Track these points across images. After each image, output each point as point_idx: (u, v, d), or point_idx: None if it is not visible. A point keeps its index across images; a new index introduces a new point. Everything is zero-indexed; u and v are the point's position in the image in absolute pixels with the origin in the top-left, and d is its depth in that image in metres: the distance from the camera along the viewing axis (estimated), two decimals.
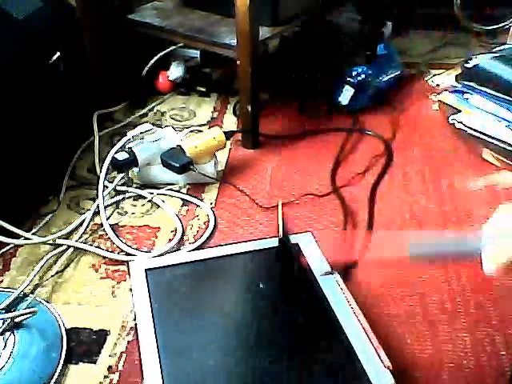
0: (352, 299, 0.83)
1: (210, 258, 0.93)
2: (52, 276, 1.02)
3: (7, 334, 0.87)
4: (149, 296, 0.85)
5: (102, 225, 1.11)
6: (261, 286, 0.88)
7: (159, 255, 1.05)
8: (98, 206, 1.12)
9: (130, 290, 0.99)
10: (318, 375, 0.75)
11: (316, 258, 0.91)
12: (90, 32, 1.40)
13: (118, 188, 1.23)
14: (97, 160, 1.31)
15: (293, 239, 0.95)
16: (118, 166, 1.19)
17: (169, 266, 0.92)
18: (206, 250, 0.96)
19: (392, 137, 1.41)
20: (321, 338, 0.80)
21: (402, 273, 1.02)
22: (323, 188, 1.24)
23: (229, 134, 1.28)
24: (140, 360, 0.76)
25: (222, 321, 0.83)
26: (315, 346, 0.79)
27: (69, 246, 1.08)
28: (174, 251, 1.07)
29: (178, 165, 1.18)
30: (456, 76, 1.40)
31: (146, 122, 1.38)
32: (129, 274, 1.02)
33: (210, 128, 1.37)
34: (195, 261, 0.93)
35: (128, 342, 0.90)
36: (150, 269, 0.90)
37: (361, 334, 0.78)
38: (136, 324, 0.81)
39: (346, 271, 0.98)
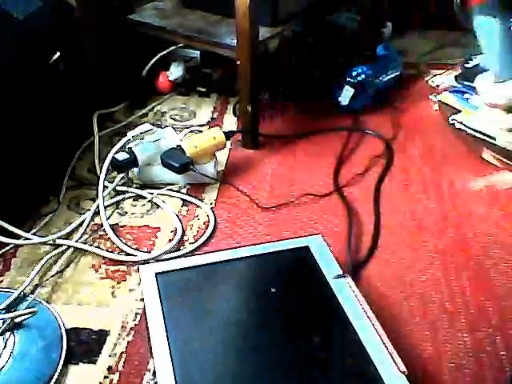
0: (365, 302, 0.83)
1: (220, 262, 0.93)
2: (52, 276, 1.02)
3: (7, 334, 0.87)
4: (159, 300, 0.85)
5: (102, 225, 1.11)
6: (272, 290, 0.88)
7: (159, 255, 1.05)
8: (97, 206, 1.12)
9: (130, 290, 0.99)
10: (332, 380, 0.75)
11: (327, 261, 0.91)
12: (90, 32, 1.40)
13: (118, 188, 1.23)
14: (97, 160, 1.31)
15: (303, 242, 0.95)
16: (117, 166, 1.19)
17: (179, 269, 0.92)
18: (215, 253, 0.96)
19: (392, 137, 1.41)
20: (334, 342, 0.80)
21: (401, 273, 1.02)
22: (323, 188, 1.24)
23: (229, 134, 1.28)
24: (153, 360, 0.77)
25: (234, 325, 0.83)
26: (329, 351, 0.79)
27: (69, 246, 1.08)
28: (175, 251, 1.07)
29: (177, 165, 1.18)
30: (456, 76, 1.41)
31: (146, 122, 1.38)
32: (129, 273, 1.03)
33: (210, 128, 1.37)
34: (205, 264, 0.92)
35: (128, 342, 0.90)
36: (160, 272, 0.90)
37: (375, 338, 0.78)
38: (147, 327, 0.81)
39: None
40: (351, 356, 0.77)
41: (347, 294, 0.85)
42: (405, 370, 0.74)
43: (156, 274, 0.90)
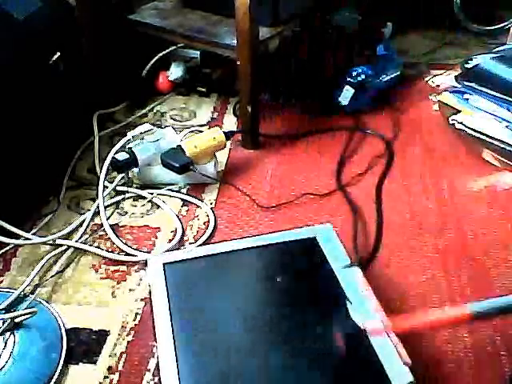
0: (371, 293, 0.83)
1: (227, 252, 0.93)
2: (52, 276, 1.02)
3: (7, 334, 0.87)
4: (166, 289, 0.85)
5: (102, 225, 1.11)
6: (278, 279, 0.88)
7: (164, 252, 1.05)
8: (97, 207, 1.12)
9: (130, 290, 0.99)
10: (336, 371, 0.75)
11: (335, 251, 0.91)
12: (90, 32, 1.40)
13: (118, 188, 1.23)
14: (97, 160, 1.31)
15: (311, 231, 0.95)
16: (117, 167, 1.19)
17: (186, 259, 0.92)
18: (223, 243, 0.97)
19: (393, 137, 1.41)
20: (339, 333, 0.79)
21: (402, 273, 1.02)
22: (323, 188, 1.24)
23: (229, 134, 1.28)
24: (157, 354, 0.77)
25: (239, 315, 0.83)
26: (333, 342, 0.78)
27: (69, 247, 1.08)
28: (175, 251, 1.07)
29: (177, 165, 1.18)
30: (456, 76, 1.40)
31: (146, 122, 1.38)
32: (129, 273, 1.03)
33: (210, 128, 1.37)
34: (213, 254, 0.93)
35: (128, 342, 0.90)
36: (167, 263, 0.91)
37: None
38: (153, 317, 0.82)
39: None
40: (355, 346, 0.77)
41: (353, 285, 0.85)
42: (409, 361, 0.73)
43: (164, 264, 0.90)
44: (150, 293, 0.98)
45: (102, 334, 0.91)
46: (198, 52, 1.61)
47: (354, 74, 1.49)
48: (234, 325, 0.82)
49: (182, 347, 0.77)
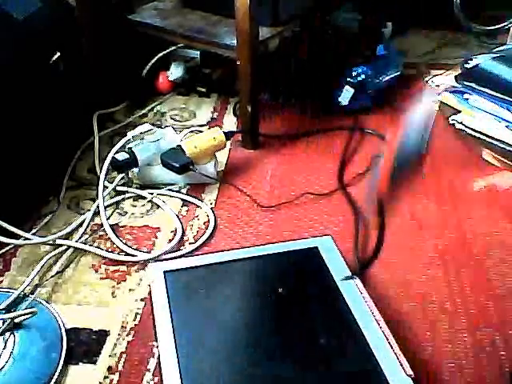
0: (373, 304, 0.83)
1: (229, 261, 0.93)
2: (52, 276, 1.02)
3: (7, 334, 0.87)
4: (167, 298, 0.86)
5: (102, 225, 1.11)
6: (280, 290, 0.88)
7: (159, 255, 1.05)
8: (97, 207, 1.12)
9: (130, 290, 0.99)
10: (338, 382, 0.75)
11: (336, 262, 0.91)
12: (90, 32, 1.40)
13: (118, 188, 1.23)
14: (97, 160, 1.31)
15: (312, 242, 0.95)
16: (117, 167, 1.19)
17: (187, 268, 0.92)
18: (224, 252, 0.97)
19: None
20: (341, 344, 0.80)
21: (402, 273, 1.02)
22: (323, 188, 1.24)
23: (229, 135, 1.28)
24: (159, 361, 0.79)
25: (240, 325, 0.83)
26: (336, 353, 0.79)
27: (69, 247, 1.08)
28: (175, 251, 1.07)
29: (177, 165, 1.18)
30: (456, 76, 1.40)
31: (146, 122, 1.38)
32: (129, 274, 1.03)
33: (209, 128, 1.37)
34: (214, 263, 0.93)
35: (128, 342, 0.90)
36: (168, 271, 0.91)
37: (382, 341, 0.78)
38: (154, 324, 0.83)
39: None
40: (358, 358, 0.77)
41: (355, 296, 0.85)
42: (411, 373, 0.73)
43: (164, 272, 0.90)
44: (149, 295, 0.98)
45: (102, 334, 0.91)
46: (198, 52, 1.61)
47: (354, 73, 1.49)
48: (235, 335, 0.82)
49: (184, 354, 0.77)
